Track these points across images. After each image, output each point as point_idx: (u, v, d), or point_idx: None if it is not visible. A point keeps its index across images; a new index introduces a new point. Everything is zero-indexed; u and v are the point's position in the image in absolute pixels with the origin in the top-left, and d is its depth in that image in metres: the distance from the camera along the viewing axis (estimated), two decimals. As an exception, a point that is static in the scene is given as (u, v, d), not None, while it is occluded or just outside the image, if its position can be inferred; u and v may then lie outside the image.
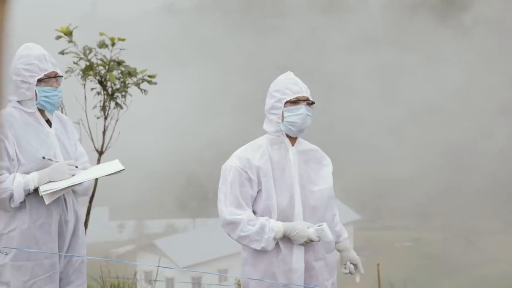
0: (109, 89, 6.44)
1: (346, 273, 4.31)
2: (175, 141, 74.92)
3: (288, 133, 4.06)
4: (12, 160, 4.10)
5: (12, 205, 4.06)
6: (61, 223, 4.21)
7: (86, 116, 6.38)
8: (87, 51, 6.37)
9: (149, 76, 6.58)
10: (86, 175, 4.23)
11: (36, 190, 4.08)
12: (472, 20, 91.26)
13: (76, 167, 4.20)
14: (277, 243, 3.95)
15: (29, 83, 4.16)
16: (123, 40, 6.39)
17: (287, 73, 4.15)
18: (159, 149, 73.95)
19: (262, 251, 3.96)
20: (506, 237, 55.97)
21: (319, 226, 3.93)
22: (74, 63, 6.36)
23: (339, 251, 4.28)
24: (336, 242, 4.25)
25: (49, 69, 4.21)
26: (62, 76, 4.31)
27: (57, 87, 4.23)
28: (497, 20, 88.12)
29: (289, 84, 4.05)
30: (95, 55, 6.41)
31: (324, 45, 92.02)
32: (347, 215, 47.89)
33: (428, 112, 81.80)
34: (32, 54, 4.20)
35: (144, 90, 6.59)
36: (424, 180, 71.13)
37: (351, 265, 4.26)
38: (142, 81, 6.55)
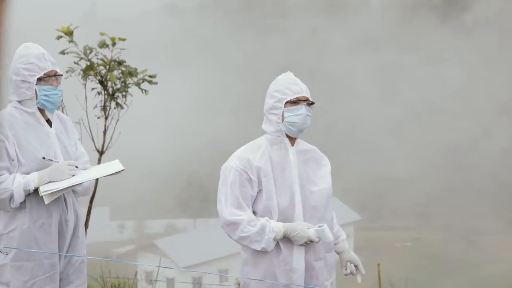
0: (110, 89, 6.44)
1: (347, 274, 4.29)
2: (175, 141, 74.90)
3: (288, 133, 4.05)
4: (12, 160, 4.09)
5: (12, 206, 4.05)
6: (61, 223, 4.21)
7: (87, 116, 6.38)
8: (88, 51, 6.36)
9: (150, 76, 6.58)
10: (86, 175, 4.22)
11: (36, 190, 4.08)
12: (473, 21, 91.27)
13: (76, 167, 4.19)
14: (277, 244, 3.94)
15: (29, 82, 4.16)
16: (123, 40, 6.38)
17: (287, 73, 4.13)
18: (159, 149, 73.96)
19: (263, 252, 3.95)
20: (507, 237, 55.98)
21: (319, 226, 3.92)
22: (74, 63, 6.35)
23: (338, 252, 4.26)
24: (335, 244, 4.23)
25: (49, 67, 4.21)
26: (61, 75, 4.30)
27: (57, 86, 4.23)
28: (497, 20, 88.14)
29: (289, 84, 4.04)
30: (95, 55, 6.40)
31: (325, 45, 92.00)
32: (347, 215, 47.88)
33: (429, 112, 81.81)
34: (31, 53, 4.20)
35: (145, 90, 6.58)
36: (424, 180, 71.14)
37: (352, 265, 4.25)
38: (143, 81, 6.54)
